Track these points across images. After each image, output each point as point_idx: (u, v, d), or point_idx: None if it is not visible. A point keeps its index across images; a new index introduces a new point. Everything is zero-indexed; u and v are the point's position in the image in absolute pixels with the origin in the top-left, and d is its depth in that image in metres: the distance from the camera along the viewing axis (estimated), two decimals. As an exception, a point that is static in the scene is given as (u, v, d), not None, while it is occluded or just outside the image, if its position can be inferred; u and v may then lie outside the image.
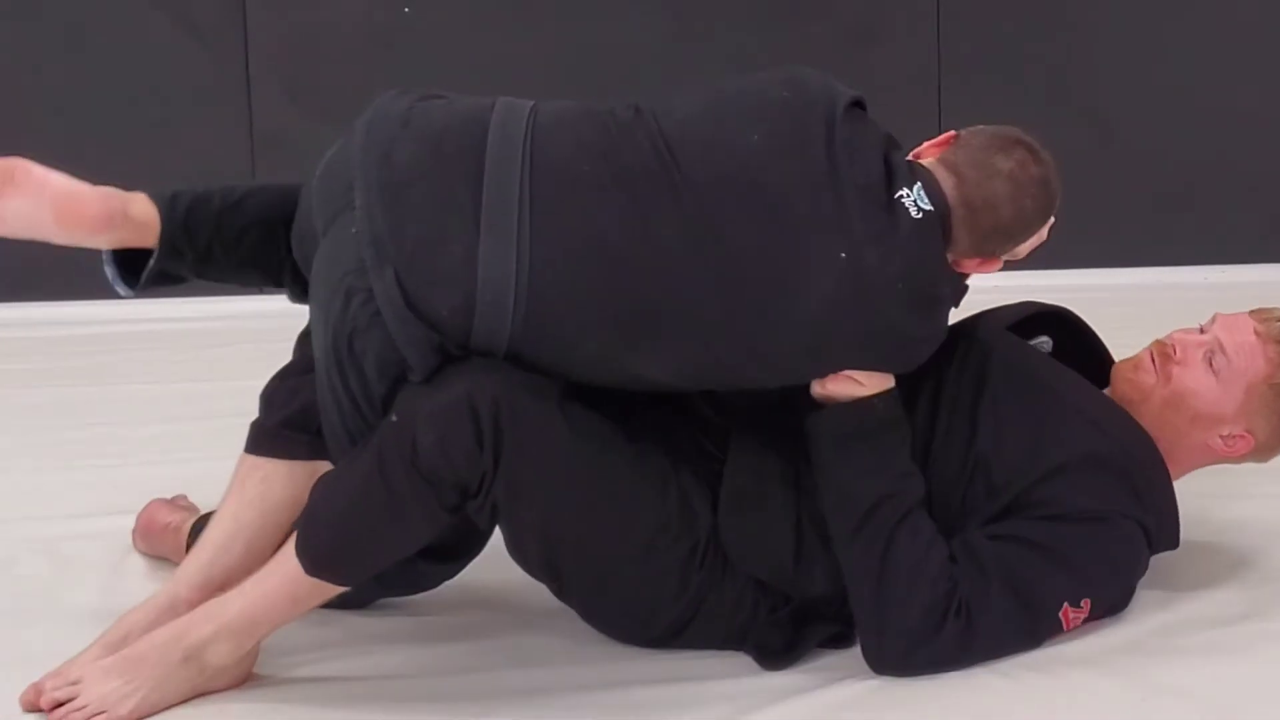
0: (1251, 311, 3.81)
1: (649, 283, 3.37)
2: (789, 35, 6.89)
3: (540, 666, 3.59)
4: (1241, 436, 3.78)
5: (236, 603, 3.36)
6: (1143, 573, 3.70)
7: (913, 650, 3.46)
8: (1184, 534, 3.73)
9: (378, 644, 3.66)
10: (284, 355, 5.78)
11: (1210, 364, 3.74)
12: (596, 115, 3.50)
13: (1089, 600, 3.57)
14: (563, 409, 3.37)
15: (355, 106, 6.64)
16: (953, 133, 3.65)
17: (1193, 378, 3.74)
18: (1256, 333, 3.74)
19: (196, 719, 3.32)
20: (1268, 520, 4.30)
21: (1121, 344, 4.74)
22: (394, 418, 3.28)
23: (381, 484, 3.26)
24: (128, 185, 6.64)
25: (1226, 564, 4.04)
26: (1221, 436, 3.77)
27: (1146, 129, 6.98)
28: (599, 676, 3.53)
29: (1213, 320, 3.81)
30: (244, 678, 3.43)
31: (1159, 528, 3.69)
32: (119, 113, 6.77)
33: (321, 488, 3.40)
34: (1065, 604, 3.53)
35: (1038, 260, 6.18)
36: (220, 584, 3.49)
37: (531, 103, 3.53)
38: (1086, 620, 3.59)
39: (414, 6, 6.76)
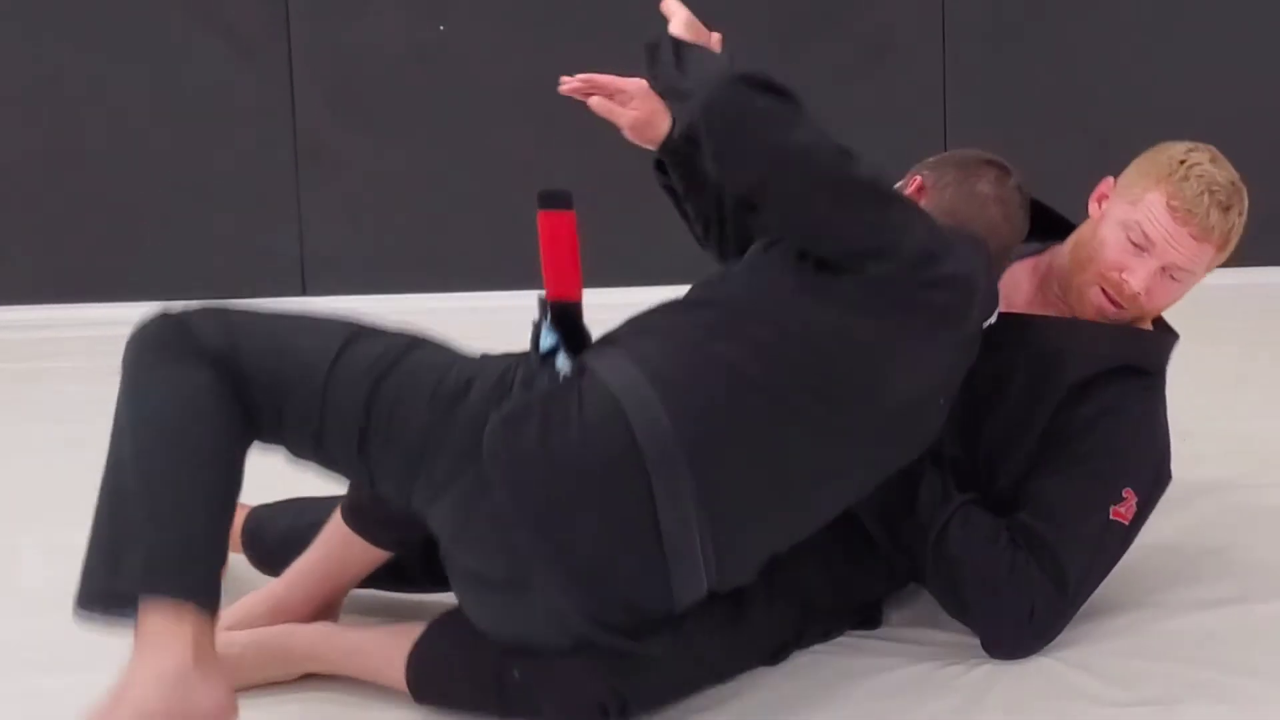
0: (1170, 207, 3.59)
1: (804, 525, 3.40)
2: (806, 54, 6.92)
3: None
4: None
5: (346, 664, 3.40)
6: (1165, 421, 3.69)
7: (1021, 636, 3.50)
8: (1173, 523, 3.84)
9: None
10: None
11: (1173, 278, 3.63)
12: (719, 378, 3.24)
13: (1128, 489, 3.55)
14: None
15: (393, 119, 6.79)
16: (918, 178, 3.65)
17: (1164, 298, 3.70)
18: (1194, 237, 3.58)
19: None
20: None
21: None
22: (516, 674, 3.22)
23: (500, 710, 3.24)
24: (176, 193, 6.76)
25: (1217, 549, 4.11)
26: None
27: (1138, 139, 6.98)
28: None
29: (1146, 237, 3.60)
30: None
31: (1162, 356, 3.73)
32: (172, 124, 6.79)
33: (441, 662, 3.32)
34: (1110, 508, 3.52)
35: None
36: (322, 601, 3.55)
37: (650, 388, 3.19)
38: (1142, 502, 3.58)
39: (448, 25, 6.79)
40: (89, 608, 3.05)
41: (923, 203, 3.55)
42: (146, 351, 3.16)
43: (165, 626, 2.96)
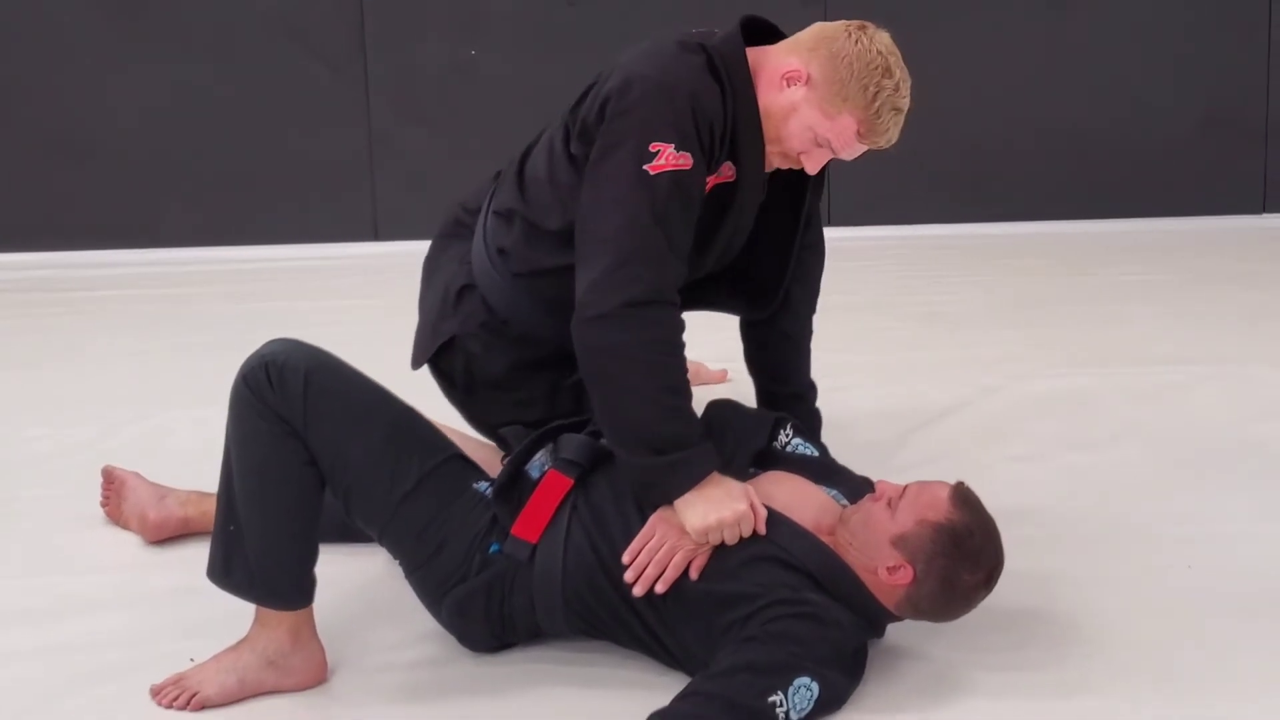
0: (859, 133, 2.92)
1: None
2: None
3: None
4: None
5: None
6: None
7: None
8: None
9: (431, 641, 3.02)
10: (382, 284, 5.89)
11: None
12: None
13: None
14: None
15: (439, 116, 6.81)
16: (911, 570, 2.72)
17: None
18: (870, 147, 2.98)
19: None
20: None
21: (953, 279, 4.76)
22: None
23: None
24: (285, 170, 6.76)
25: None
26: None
27: (967, 125, 6.99)
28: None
29: (831, 145, 2.95)
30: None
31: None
32: (270, 121, 6.80)
33: None
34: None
35: (890, 217, 6.23)
36: None
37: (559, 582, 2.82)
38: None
39: (478, 51, 6.78)
40: (214, 582, 2.84)
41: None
42: (245, 404, 2.77)
43: (269, 615, 2.81)
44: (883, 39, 2.96)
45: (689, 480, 2.77)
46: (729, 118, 2.93)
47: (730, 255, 3.20)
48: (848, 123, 2.91)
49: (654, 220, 2.82)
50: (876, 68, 2.91)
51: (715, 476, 2.79)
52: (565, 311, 2.89)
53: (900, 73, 2.94)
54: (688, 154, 2.85)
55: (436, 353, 3.23)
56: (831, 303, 3.68)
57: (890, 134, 2.95)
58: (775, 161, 3.04)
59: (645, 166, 2.83)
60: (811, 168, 3.01)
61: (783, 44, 3.03)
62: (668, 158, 2.84)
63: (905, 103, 2.95)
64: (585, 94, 3.04)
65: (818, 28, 2.99)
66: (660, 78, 2.90)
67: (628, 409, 2.78)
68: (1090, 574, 3.25)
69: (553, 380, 3.22)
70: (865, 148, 2.98)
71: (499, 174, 3.33)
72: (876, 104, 2.90)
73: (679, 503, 2.77)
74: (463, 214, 3.37)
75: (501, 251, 3.16)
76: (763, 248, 3.24)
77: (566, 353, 2.98)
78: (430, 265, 3.40)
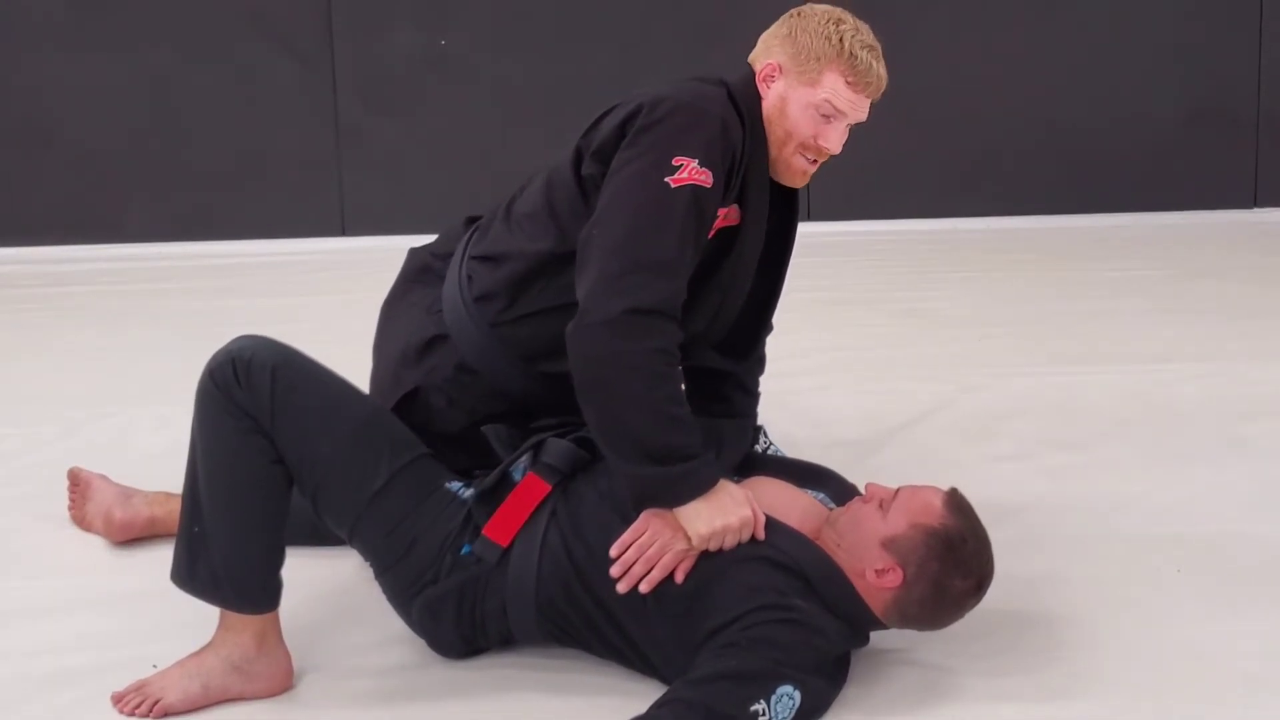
0: (849, 83, 3.02)
1: None
2: (703, 58, 6.88)
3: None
4: None
5: None
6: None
7: None
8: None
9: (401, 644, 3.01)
10: (350, 280, 5.90)
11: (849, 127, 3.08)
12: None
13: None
14: None
15: (408, 108, 6.81)
16: (901, 572, 2.74)
17: (842, 143, 3.09)
18: (869, 97, 3.05)
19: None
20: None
21: (928, 274, 4.76)
22: None
23: None
24: (251, 163, 6.77)
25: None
26: None
27: (953, 118, 7.02)
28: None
29: (836, 110, 3.03)
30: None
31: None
32: (236, 113, 6.81)
33: None
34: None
35: (874, 212, 6.26)
36: None
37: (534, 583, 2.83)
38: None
39: (447, 41, 6.80)
40: (178, 585, 2.83)
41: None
42: (211, 401, 2.78)
43: (234, 619, 2.81)
44: (824, 5, 3.10)
45: (696, 491, 2.77)
46: (744, 154, 2.99)
47: (723, 322, 3.19)
48: (833, 78, 3.01)
49: (667, 232, 2.83)
50: (828, 21, 3.04)
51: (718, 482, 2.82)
52: (539, 364, 3.01)
53: (851, 18, 3.06)
54: (709, 171, 2.87)
55: (396, 403, 3.19)
56: (813, 298, 3.68)
57: (876, 70, 3.04)
58: (797, 166, 3.08)
59: (667, 179, 2.85)
60: (835, 144, 3.06)
61: (753, 63, 3.13)
62: (690, 171, 2.85)
63: (871, 39, 3.05)
64: (598, 120, 3.05)
65: (767, 33, 3.12)
66: (692, 99, 2.95)
67: (629, 419, 2.76)
68: (1076, 576, 3.27)
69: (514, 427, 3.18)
70: (866, 98, 3.05)
71: (472, 220, 3.30)
72: (846, 47, 3.01)
73: (681, 509, 2.77)
74: (431, 259, 3.30)
75: (481, 299, 3.12)
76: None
77: (529, 409, 3.04)
78: (390, 308, 3.34)
